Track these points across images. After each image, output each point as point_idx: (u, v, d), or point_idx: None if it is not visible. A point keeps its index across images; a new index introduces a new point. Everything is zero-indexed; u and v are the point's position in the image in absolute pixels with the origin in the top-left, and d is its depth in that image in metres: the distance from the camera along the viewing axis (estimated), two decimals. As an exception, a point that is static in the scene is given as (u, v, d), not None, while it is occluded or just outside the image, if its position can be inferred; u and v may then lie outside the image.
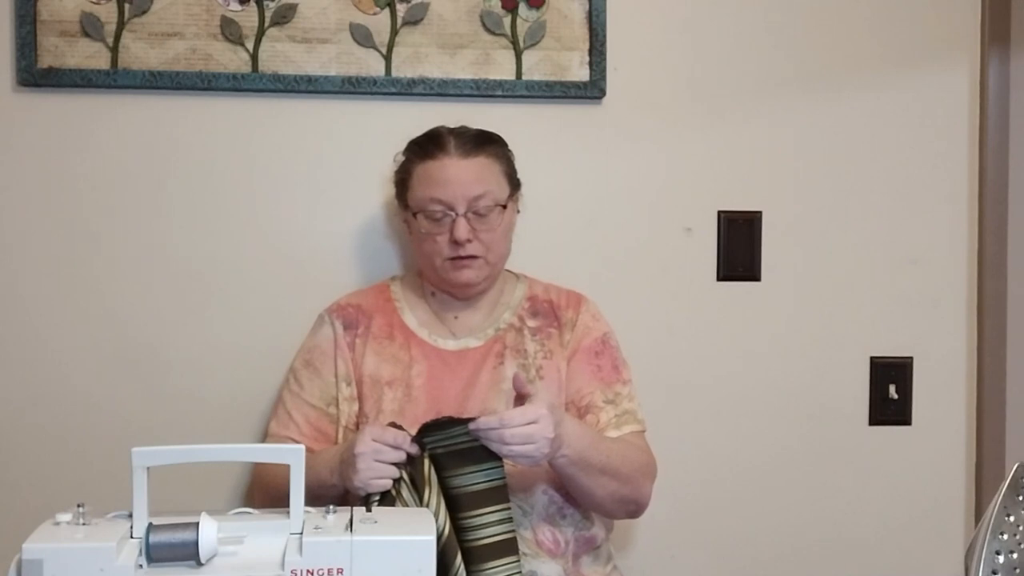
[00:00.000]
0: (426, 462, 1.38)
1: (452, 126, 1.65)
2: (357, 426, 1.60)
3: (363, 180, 1.87)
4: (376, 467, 1.36)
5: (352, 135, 1.87)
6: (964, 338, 2.02)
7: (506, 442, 1.35)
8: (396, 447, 1.37)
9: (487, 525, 1.38)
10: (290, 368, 1.69)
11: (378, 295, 1.71)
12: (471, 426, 1.37)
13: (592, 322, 1.68)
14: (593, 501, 1.55)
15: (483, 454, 1.39)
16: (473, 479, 1.39)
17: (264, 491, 1.62)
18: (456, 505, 1.38)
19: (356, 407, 1.62)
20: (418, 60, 1.86)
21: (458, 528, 1.37)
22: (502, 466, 1.40)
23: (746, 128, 1.95)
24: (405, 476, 1.37)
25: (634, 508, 1.61)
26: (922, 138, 1.99)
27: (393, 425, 1.41)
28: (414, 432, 1.39)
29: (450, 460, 1.39)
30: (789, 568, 1.99)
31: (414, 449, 1.38)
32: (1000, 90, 1.98)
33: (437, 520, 1.33)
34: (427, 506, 1.35)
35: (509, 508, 1.40)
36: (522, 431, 1.35)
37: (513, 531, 1.41)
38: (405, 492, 1.37)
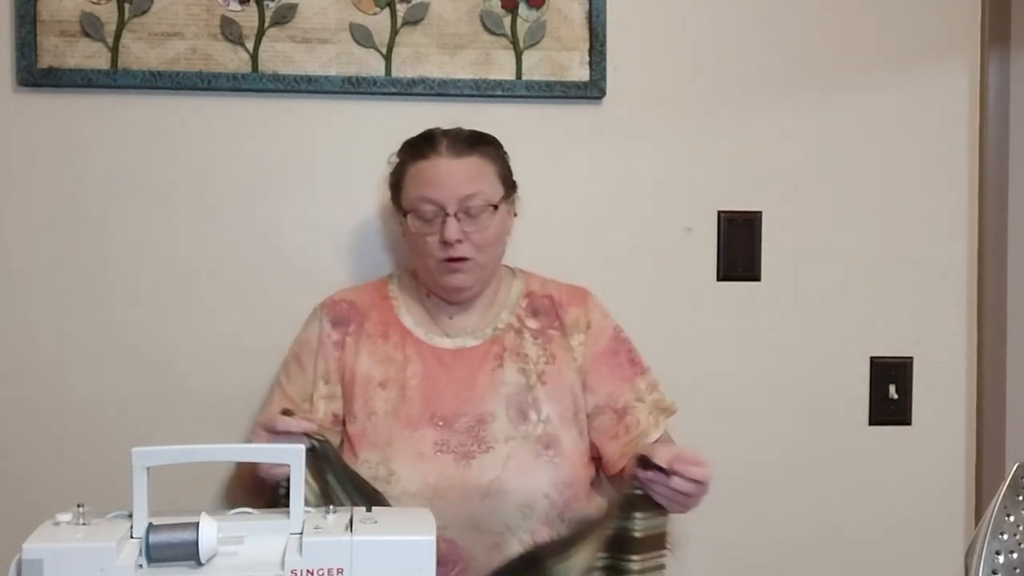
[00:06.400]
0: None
1: (447, 127, 1.64)
2: (333, 424, 1.60)
3: (363, 180, 1.86)
4: None
5: (352, 135, 1.87)
6: (964, 338, 2.02)
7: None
8: (288, 432, 1.35)
9: None
10: (284, 359, 1.70)
11: (374, 292, 1.70)
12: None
13: (602, 320, 1.68)
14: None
15: None
16: None
17: (239, 485, 1.63)
18: None
19: (336, 405, 1.61)
20: (418, 60, 1.86)
21: None
22: None
23: (746, 128, 1.95)
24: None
25: None
26: (922, 138, 1.99)
27: (285, 412, 1.41)
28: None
29: None
30: (789, 568, 1.99)
31: (310, 426, 1.36)
32: (1000, 90, 1.98)
33: (335, 502, 1.31)
34: (331, 488, 1.35)
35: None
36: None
37: None
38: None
